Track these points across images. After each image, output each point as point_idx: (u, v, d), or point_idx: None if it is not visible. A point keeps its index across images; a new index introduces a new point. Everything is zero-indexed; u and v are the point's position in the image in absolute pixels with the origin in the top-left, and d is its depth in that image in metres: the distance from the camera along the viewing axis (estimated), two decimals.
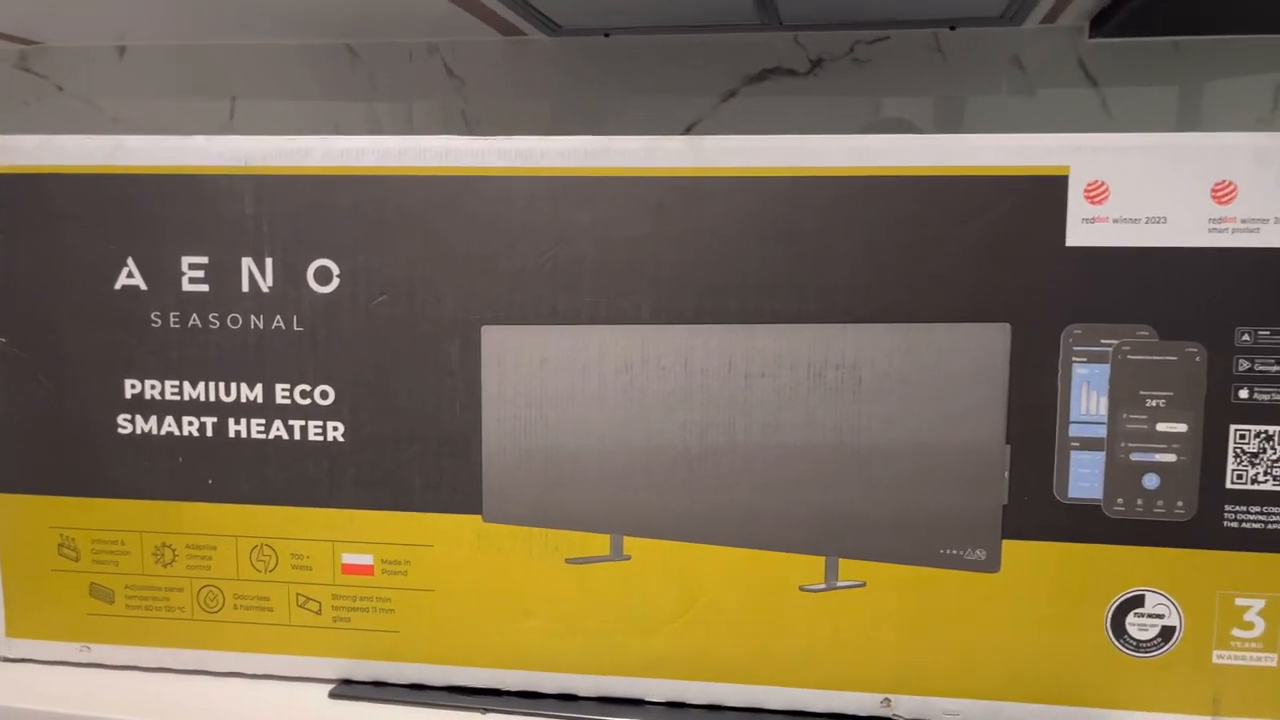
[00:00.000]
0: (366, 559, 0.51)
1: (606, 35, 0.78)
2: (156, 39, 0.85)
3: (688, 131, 0.78)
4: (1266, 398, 0.44)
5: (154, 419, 0.51)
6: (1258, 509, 0.45)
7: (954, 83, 0.74)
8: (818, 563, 0.48)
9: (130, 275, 0.50)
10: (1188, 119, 0.72)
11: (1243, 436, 0.45)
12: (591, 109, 0.80)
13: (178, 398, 0.51)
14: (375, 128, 0.83)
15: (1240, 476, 0.45)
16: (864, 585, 0.48)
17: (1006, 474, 0.46)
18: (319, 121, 0.84)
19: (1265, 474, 0.45)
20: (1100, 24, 0.70)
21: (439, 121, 0.83)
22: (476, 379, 0.49)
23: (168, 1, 0.74)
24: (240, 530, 0.51)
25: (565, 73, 0.80)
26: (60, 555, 0.52)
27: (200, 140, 0.50)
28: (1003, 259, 0.45)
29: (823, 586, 0.48)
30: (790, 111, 0.77)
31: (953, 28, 0.73)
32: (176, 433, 0.51)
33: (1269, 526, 0.45)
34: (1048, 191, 0.45)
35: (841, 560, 0.48)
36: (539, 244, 0.48)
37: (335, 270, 0.49)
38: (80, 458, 0.52)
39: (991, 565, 0.47)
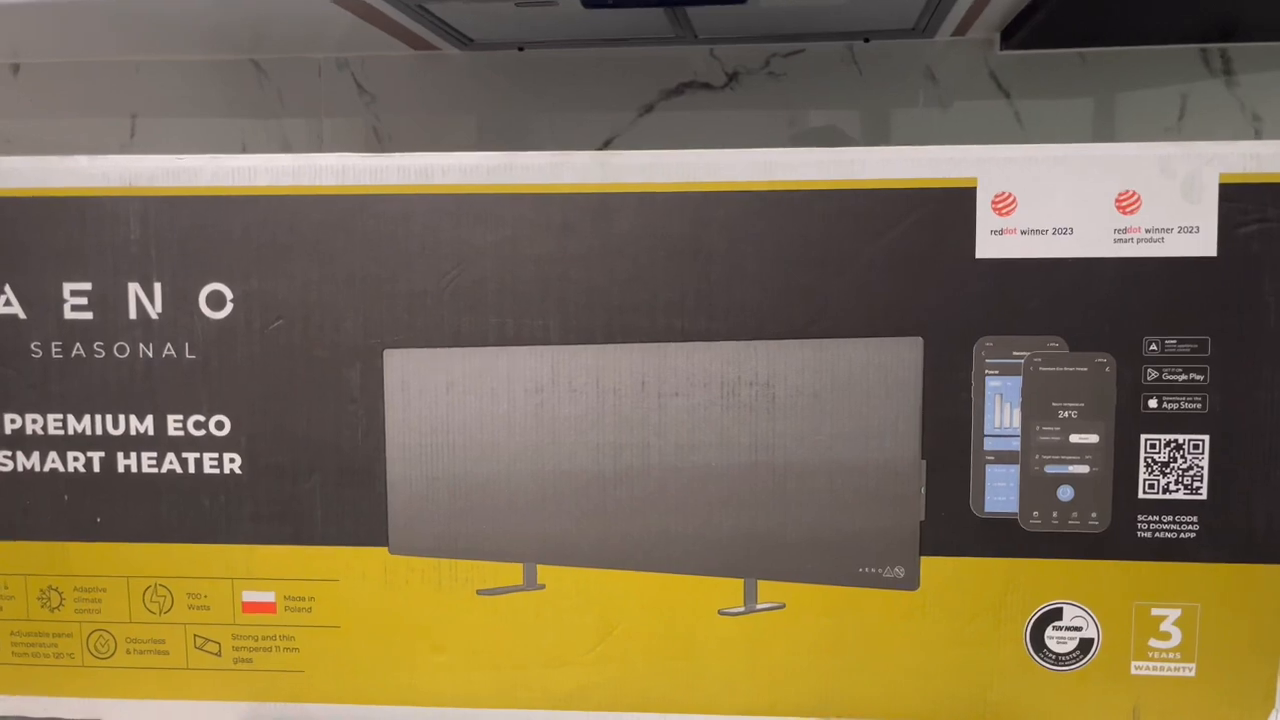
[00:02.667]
0: (268, 596, 0.48)
1: (520, 50, 0.76)
2: (52, 55, 0.82)
3: (605, 146, 0.77)
4: (1175, 406, 0.44)
5: (36, 455, 0.48)
6: (1170, 518, 0.45)
7: (869, 95, 0.74)
8: (736, 585, 0.47)
9: (8, 304, 0.48)
10: (1098, 130, 0.72)
11: (1153, 446, 0.44)
12: (506, 125, 0.79)
13: (61, 432, 0.48)
14: (284, 146, 0.81)
15: (1152, 486, 0.45)
16: (784, 607, 0.47)
17: (923, 490, 0.46)
18: (225, 140, 0.81)
19: (1176, 483, 0.44)
20: (1010, 36, 0.70)
21: (350, 138, 0.80)
22: (379, 405, 0.47)
23: (64, 17, 0.71)
24: (132, 570, 0.49)
25: (479, 88, 0.78)
26: None
27: (82, 160, 0.47)
28: (914, 272, 0.45)
29: (741, 610, 0.47)
30: (708, 125, 0.76)
31: (867, 40, 0.73)
32: (61, 469, 0.48)
33: (1182, 536, 0.45)
34: (957, 203, 0.44)
35: (760, 582, 0.47)
36: (440, 264, 0.46)
37: (229, 295, 0.47)
38: None
39: (910, 583, 0.46)
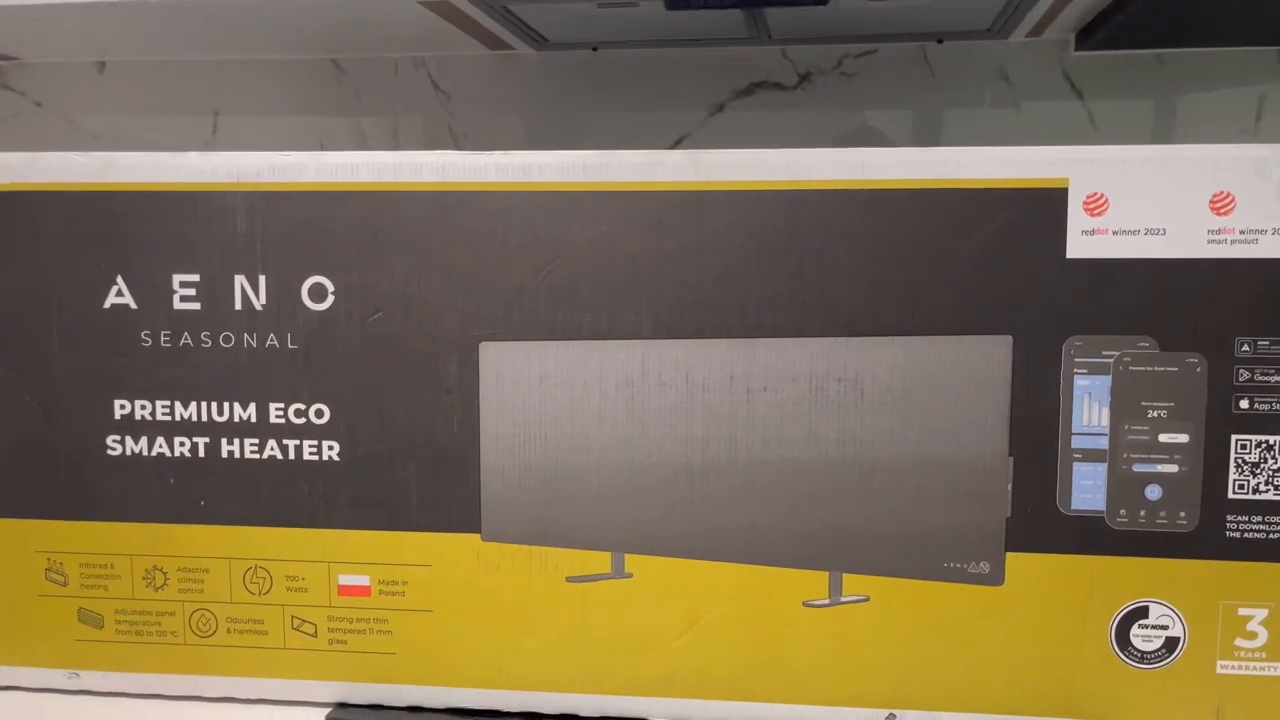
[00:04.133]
0: (363, 580, 0.50)
1: (594, 49, 0.78)
2: (137, 54, 0.84)
3: (676, 144, 0.78)
4: (1266, 407, 0.44)
5: (144, 440, 0.50)
6: (1259, 518, 0.45)
7: (942, 96, 0.74)
8: (821, 578, 0.48)
9: (120, 294, 0.50)
10: (1173, 131, 0.72)
11: (1244, 446, 0.45)
12: (578, 123, 0.80)
13: (169, 418, 0.50)
14: (360, 143, 0.82)
15: (1242, 486, 0.45)
16: (868, 600, 0.47)
17: (1009, 486, 0.46)
18: (303, 137, 0.83)
19: (1266, 483, 0.45)
20: (1086, 37, 0.70)
21: (425, 136, 0.82)
22: (474, 396, 0.48)
23: (149, 17, 0.73)
24: (233, 552, 0.50)
25: (552, 87, 0.80)
26: (48, 580, 0.51)
27: (192, 157, 0.49)
28: (1004, 271, 0.45)
29: (826, 602, 0.48)
30: (778, 125, 0.77)
31: (940, 41, 0.73)
32: (168, 454, 0.50)
33: (1271, 536, 0.45)
34: (1048, 204, 0.45)
35: (845, 575, 0.47)
36: (537, 260, 0.48)
37: (330, 287, 0.49)
38: (69, 480, 0.51)
39: (995, 578, 0.47)
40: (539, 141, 0.80)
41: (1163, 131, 0.72)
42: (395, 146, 0.82)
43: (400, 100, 0.82)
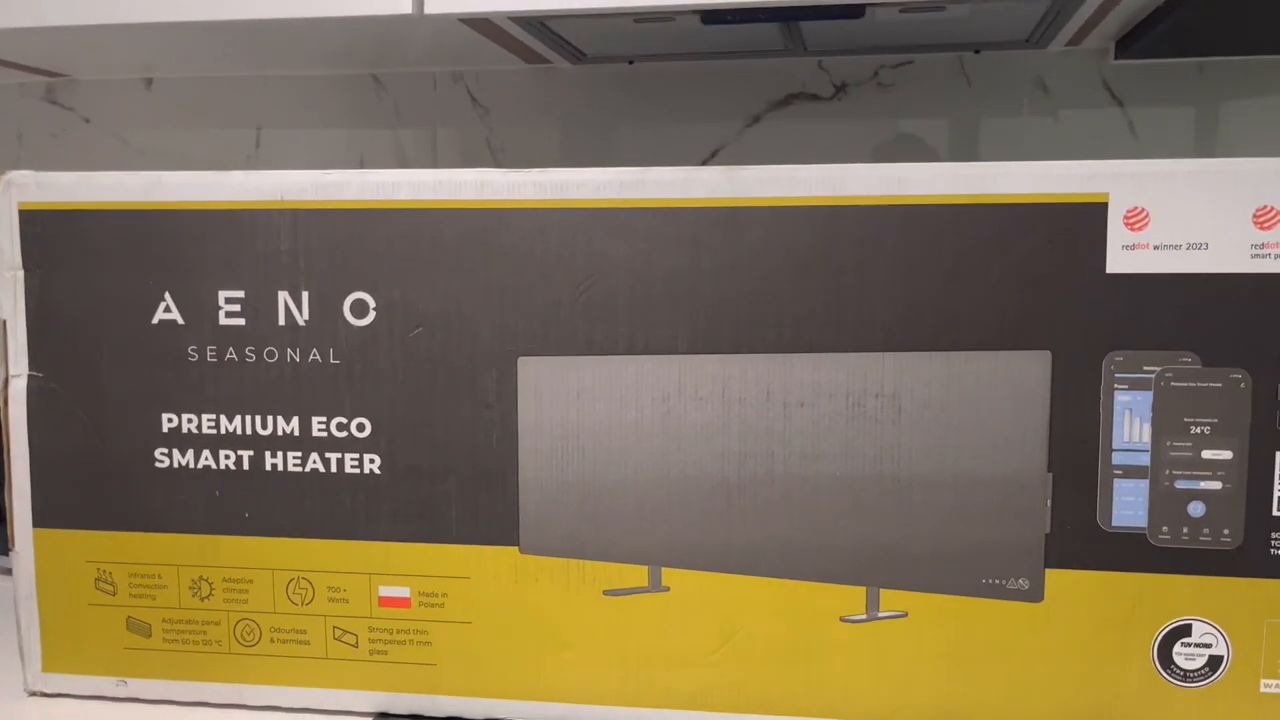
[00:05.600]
0: (403, 591, 0.51)
1: (630, 63, 0.78)
2: (183, 71, 0.86)
3: (712, 157, 0.79)
4: None
5: (191, 452, 0.51)
6: None
7: (979, 106, 0.74)
8: (858, 593, 0.48)
9: (167, 310, 0.51)
10: (1214, 140, 0.72)
11: None
12: (615, 136, 0.81)
13: (214, 431, 0.51)
14: (399, 156, 0.84)
15: None
16: (906, 615, 0.47)
17: (1049, 502, 0.46)
18: (344, 151, 0.85)
19: None
20: (1126, 46, 0.70)
21: (463, 150, 0.83)
22: (513, 411, 0.49)
23: (195, 34, 0.75)
24: (277, 563, 0.51)
25: (589, 100, 0.81)
26: (97, 589, 0.52)
27: (238, 175, 0.50)
28: (1042, 286, 0.45)
29: (864, 617, 0.48)
30: (814, 137, 0.77)
31: (977, 51, 0.73)
32: (213, 466, 0.51)
33: None
34: (1088, 219, 0.45)
35: (883, 590, 0.47)
36: (574, 276, 0.48)
37: (371, 303, 0.49)
38: (118, 492, 0.52)
39: (1035, 595, 0.46)
40: (575, 154, 0.81)
41: (1204, 141, 0.72)
42: (433, 159, 0.83)
43: (439, 114, 0.83)
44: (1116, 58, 0.71)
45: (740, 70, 0.77)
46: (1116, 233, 0.44)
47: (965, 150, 0.75)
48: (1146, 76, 0.71)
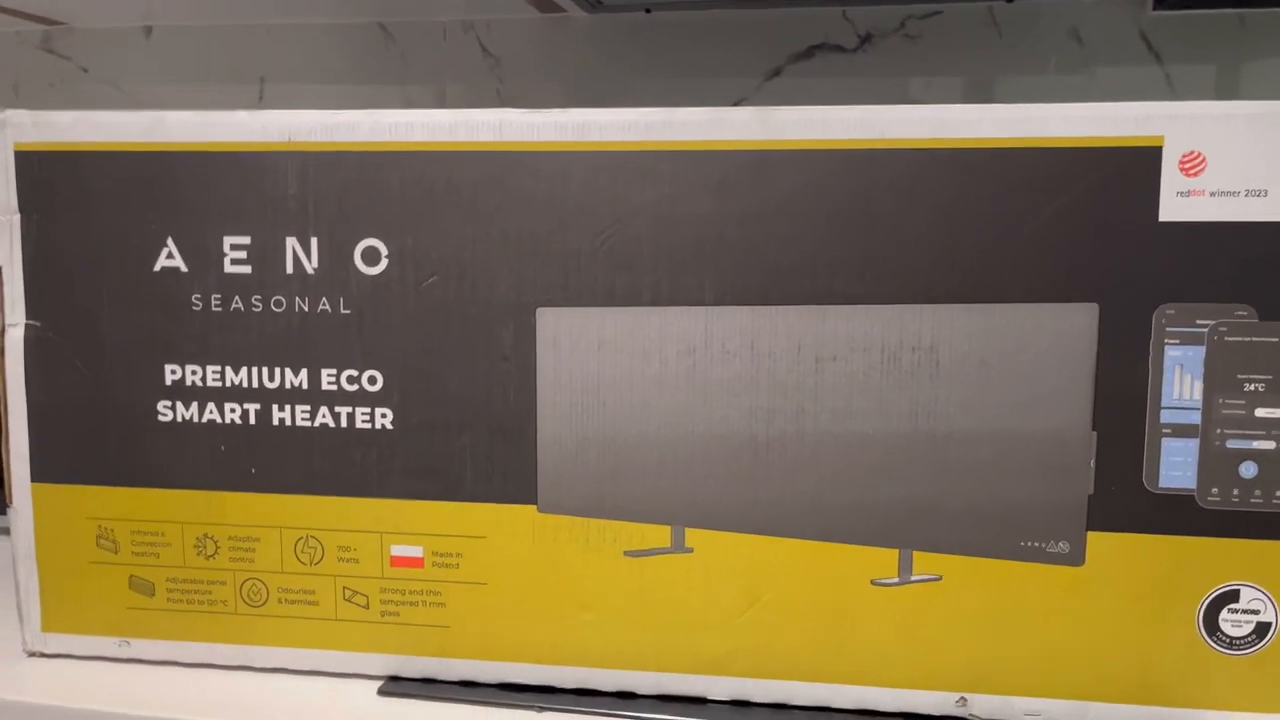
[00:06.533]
0: (416, 551, 0.49)
1: (648, 11, 0.76)
2: (184, 19, 0.83)
3: None
4: None
5: (195, 406, 0.49)
6: None
7: (1010, 59, 0.71)
8: (890, 555, 0.46)
9: (170, 256, 0.48)
10: (1256, 96, 0.69)
11: None
12: (629, 89, 0.78)
13: (219, 384, 0.49)
14: (408, 108, 0.81)
15: None
16: (940, 579, 0.45)
17: (1092, 462, 0.44)
18: (350, 103, 0.82)
19: None
20: None
21: (472, 102, 0.81)
22: (531, 364, 0.47)
23: None
24: (284, 521, 0.49)
25: (603, 51, 0.78)
26: (99, 547, 0.51)
27: (242, 115, 0.48)
28: (1091, 235, 0.43)
29: (896, 580, 0.46)
30: (838, 90, 0.75)
31: (1010, 0, 0.70)
32: (218, 420, 0.49)
33: None
34: (1140, 163, 0.42)
35: (916, 553, 0.45)
36: (596, 222, 0.46)
37: (384, 251, 0.47)
38: (119, 446, 0.50)
39: (1075, 558, 0.44)
40: (588, 107, 0.78)
41: (1245, 98, 0.69)
42: None
43: (448, 65, 0.80)
44: (1155, 8, 0.68)
45: (761, 20, 0.74)
46: (1171, 178, 0.42)
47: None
48: (1185, 28, 0.69)
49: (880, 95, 0.74)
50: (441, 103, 0.81)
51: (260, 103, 0.83)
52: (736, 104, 0.76)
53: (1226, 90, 0.69)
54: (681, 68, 0.77)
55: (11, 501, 0.51)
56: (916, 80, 0.73)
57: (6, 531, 0.51)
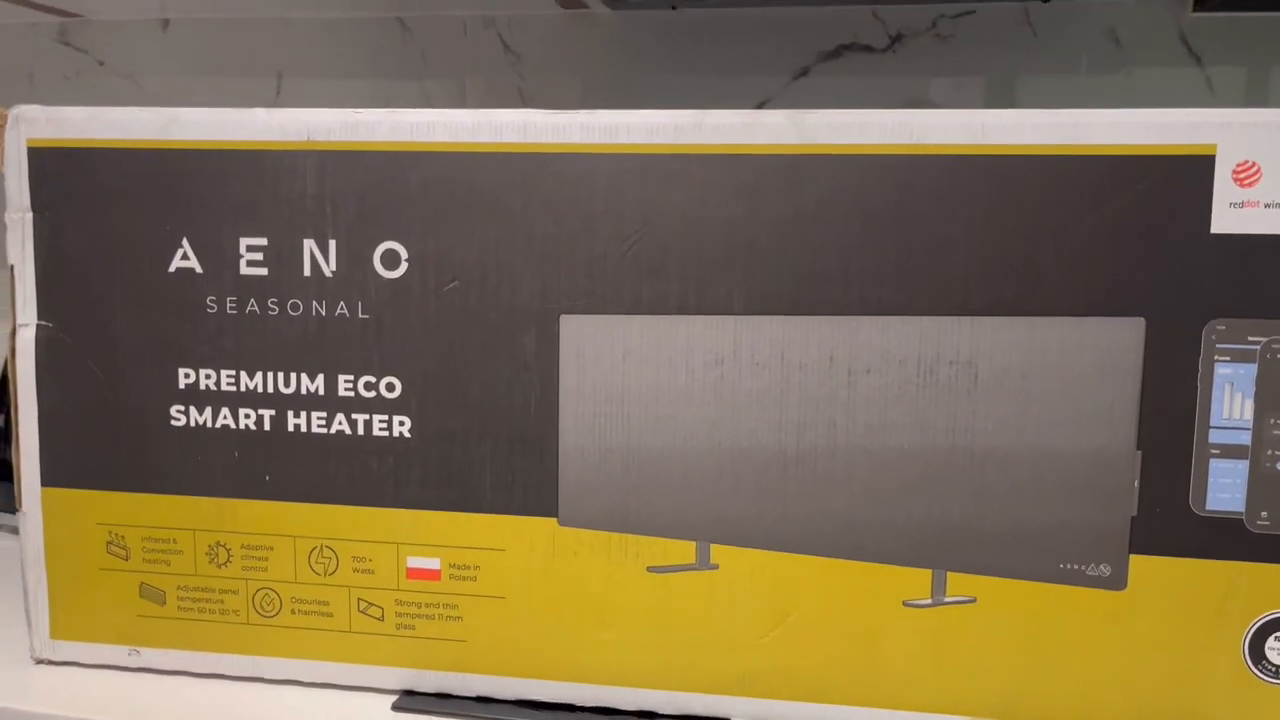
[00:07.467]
0: (433, 563, 0.47)
1: (673, 8, 0.74)
2: (201, 11, 0.82)
3: None
4: None
5: (209, 410, 0.48)
6: None
7: (1044, 60, 0.70)
8: (923, 576, 0.44)
9: (185, 257, 0.47)
10: None
11: None
12: (653, 88, 0.77)
13: (234, 388, 0.48)
14: (427, 106, 0.80)
15: None
16: (974, 601, 0.44)
17: (1137, 483, 0.42)
18: (368, 99, 0.81)
19: None
20: None
21: (492, 99, 0.79)
22: (553, 372, 0.45)
23: None
24: (299, 530, 0.48)
25: (627, 48, 0.76)
26: (109, 553, 0.49)
27: (260, 113, 0.46)
28: (1138, 247, 0.41)
29: (928, 602, 0.44)
30: (867, 91, 0.73)
31: (1046, 0, 0.68)
32: (232, 425, 0.48)
33: None
34: (1191, 173, 0.41)
35: (950, 574, 0.44)
36: (623, 227, 0.44)
37: (403, 254, 0.46)
38: (131, 451, 0.49)
39: (1117, 582, 0.43)
40: (612, 106, 0.77)
41: None
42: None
43: (468, 61, 0.79)
44: (1196, 9, 0.66)
45: (789, 18, 0.73)
46: (1224, 188, 0.40)
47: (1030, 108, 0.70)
48: (1227, 31, 0.67)
49: (909, 95, 0.72)
50: (461, 100, 0.79)
51: (277, 97, 0.82)
52: (762, 104, 0.74)
53: (1270, 97, 0.67)
54: (706, 66, 0.75)
55: (21, 505, 0.50)
56: (946, 80, 0.71)
57: (16, 533, 0.50)
